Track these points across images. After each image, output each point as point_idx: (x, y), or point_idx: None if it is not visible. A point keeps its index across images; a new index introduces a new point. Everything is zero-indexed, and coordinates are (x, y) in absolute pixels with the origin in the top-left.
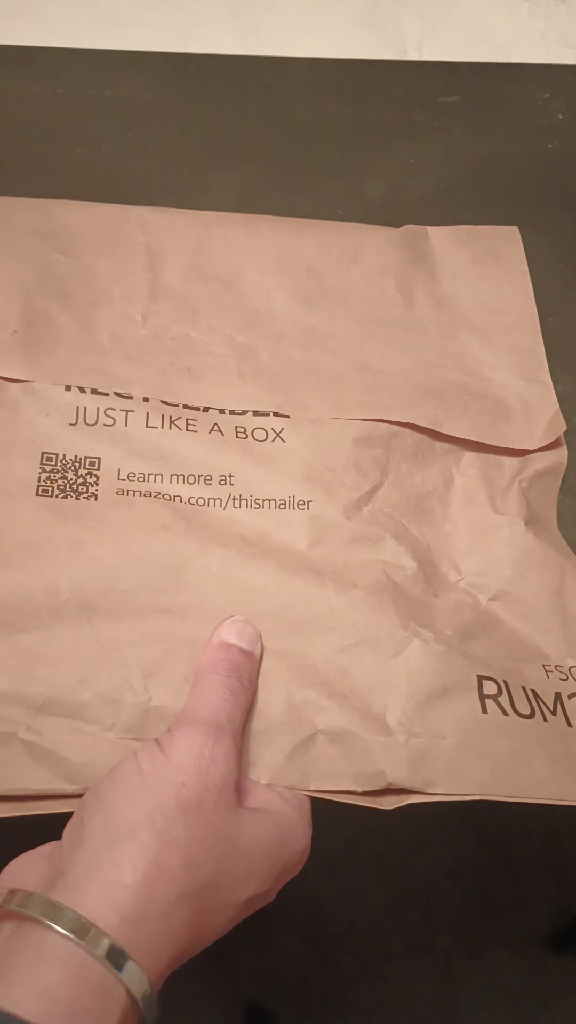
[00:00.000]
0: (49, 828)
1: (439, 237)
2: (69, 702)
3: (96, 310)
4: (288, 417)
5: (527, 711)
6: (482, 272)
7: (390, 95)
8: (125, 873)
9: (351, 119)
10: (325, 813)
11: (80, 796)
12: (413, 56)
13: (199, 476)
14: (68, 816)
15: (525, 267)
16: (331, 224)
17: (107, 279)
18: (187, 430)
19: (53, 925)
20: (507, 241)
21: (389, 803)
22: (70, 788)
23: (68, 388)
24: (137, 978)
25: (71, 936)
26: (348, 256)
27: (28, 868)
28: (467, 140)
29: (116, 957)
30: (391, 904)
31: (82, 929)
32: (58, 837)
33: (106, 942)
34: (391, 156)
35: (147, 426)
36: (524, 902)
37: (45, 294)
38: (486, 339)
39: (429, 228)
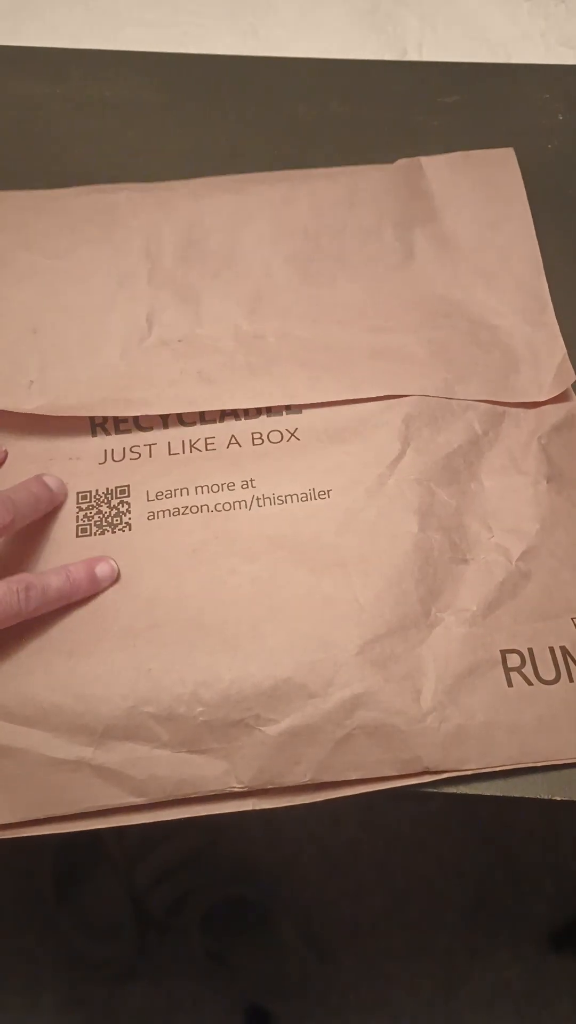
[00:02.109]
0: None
1: (435, 171)
2: (126, 725)
3: (102, 320)
4: (300, 413)
5: (551, 677)
6: (481, 206)
7: (390, 95)
8: None
9: (351, 119)
10: (326, 812)
11: (149, 805)
12: (413, 56)
13: (222, 484)
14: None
15: (523, 194)
16: (323, 173)
17: (106, 276)
18: (207, 450)
19: None
20: (504, 167)
21: (426, 778)
22: (139, 800)
23: (95, 434)
24: None
25: None
26: (344, 209)
27: None
28: (467, 140)
29: None
30: (392, 904)
31: None
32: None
33: None
34: (391, 156)
35: (169, 454)
36: (524, 902)
37: (51, 317)
38: (489, 280)
39: (423, 160)
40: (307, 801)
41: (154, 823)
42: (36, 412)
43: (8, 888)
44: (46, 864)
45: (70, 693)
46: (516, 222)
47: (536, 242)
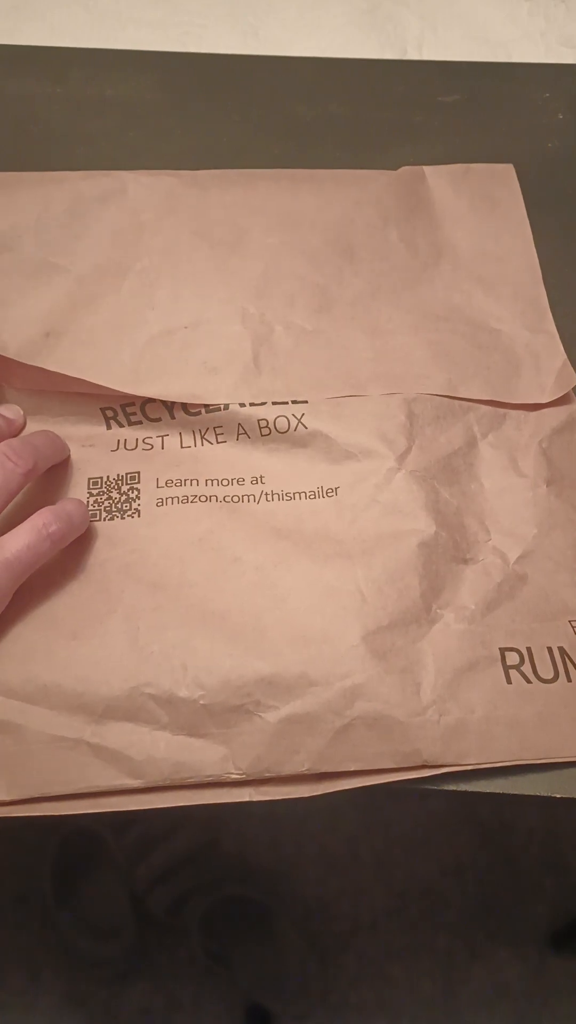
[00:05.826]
0: (48, 828)
1: (436, 180)
2: (126, 707)
3: (110, 316)
4: (307, 402)
5: (550, 675)
6: (480, 218)
7: (390, 95)
8: None
9: (351, 119)
10: (326, 811)
11: (146, 790)
12: (413, 56)
13: (232, 479)
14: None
15: (523, 210)
16: (328, 173)
17: (112, 270)
18: (217, 443)
19: None
20: (504, 182)
21: (425, 772)
22: (135, 783)
23: (108, 427)
24: None
25: None
26: (350, 205)
27: None
28: (467, 140)
29: None
30: (392, 903)
31: None
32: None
33: None
34: (391, 156)
35: (181, 447)
36: (524, 902)
37: (61, 317)
38: (489, 289)
39: (426, 169)
40: (306, 794)
41: (153, 812)
42: (48, 368)
43: (8, 887)
44: (46, 864)
45: (71, 674)
46: (515, 235)
47: (535, 255)
